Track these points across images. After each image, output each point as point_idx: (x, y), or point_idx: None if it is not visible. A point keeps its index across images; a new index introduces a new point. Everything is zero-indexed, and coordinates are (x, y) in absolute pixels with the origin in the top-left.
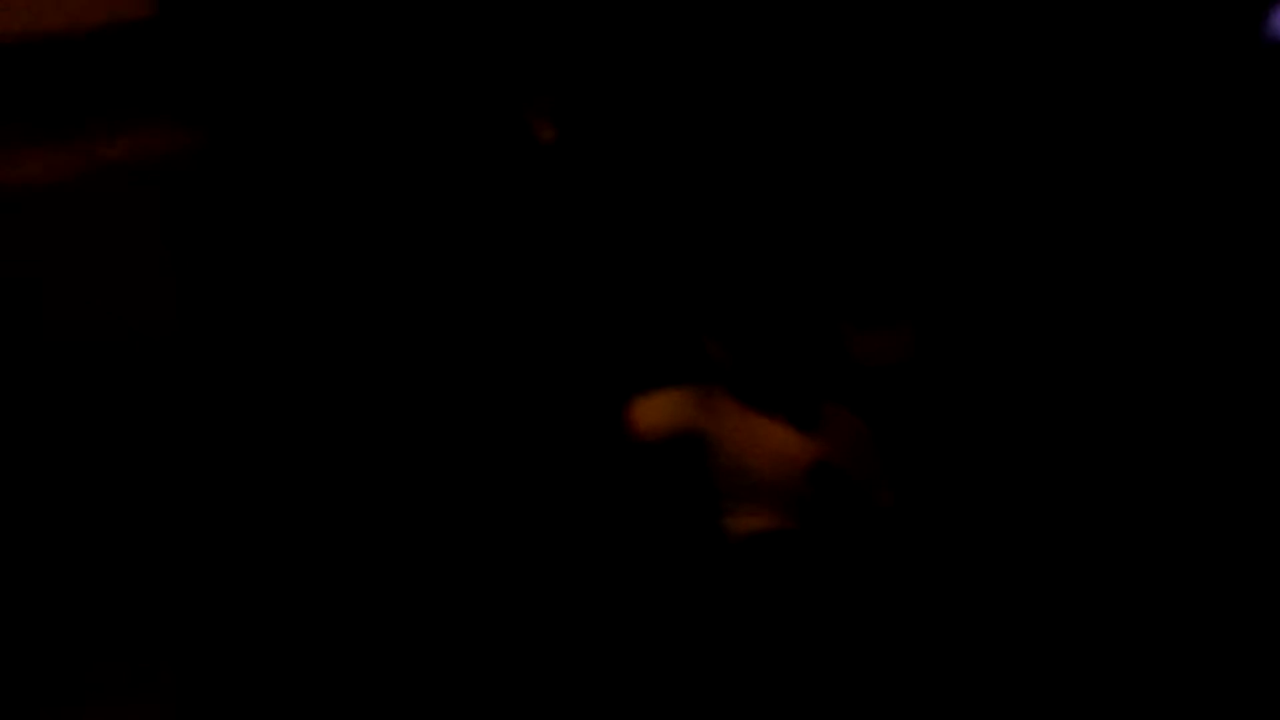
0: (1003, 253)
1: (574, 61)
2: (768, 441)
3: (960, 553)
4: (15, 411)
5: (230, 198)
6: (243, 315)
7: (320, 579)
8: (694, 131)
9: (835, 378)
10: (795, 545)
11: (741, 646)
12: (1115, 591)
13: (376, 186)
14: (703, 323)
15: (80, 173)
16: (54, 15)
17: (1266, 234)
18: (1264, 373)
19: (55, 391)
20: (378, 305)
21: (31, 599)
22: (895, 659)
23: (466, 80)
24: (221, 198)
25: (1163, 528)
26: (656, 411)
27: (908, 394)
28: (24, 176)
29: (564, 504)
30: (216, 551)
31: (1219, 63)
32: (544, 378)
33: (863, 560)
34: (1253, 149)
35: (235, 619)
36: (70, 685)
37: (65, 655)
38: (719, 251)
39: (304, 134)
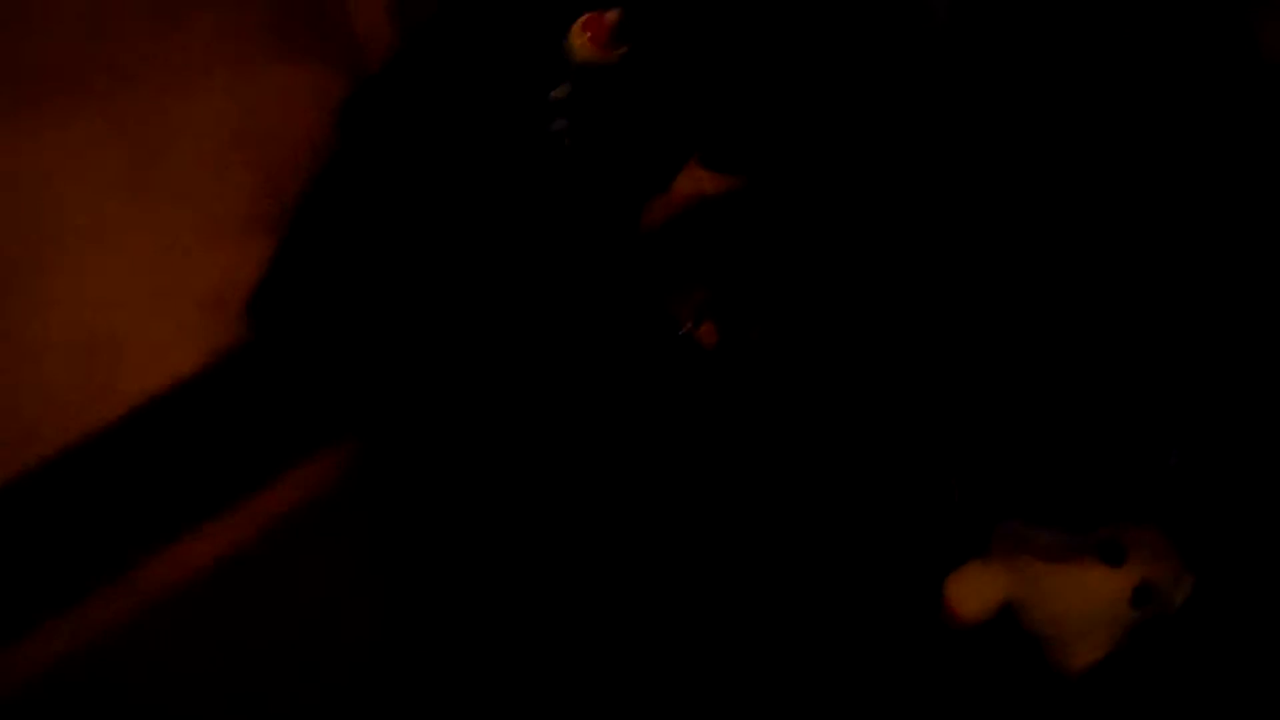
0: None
1: (738, 247)
2: (1088, 586)
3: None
4: None
5: (404, 512)
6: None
7: None
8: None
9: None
10: (1130, 660)
11: None
12: None
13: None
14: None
15: (246, 541)
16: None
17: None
18: None
19: None
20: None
21: None
22: None
23: (608, 284)
24: (397, 514)
25: None
26: (979, 592)
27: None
28: (187, 568)
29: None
30: None
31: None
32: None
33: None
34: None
35: None
36: None
37: None
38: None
39: (446, 394)
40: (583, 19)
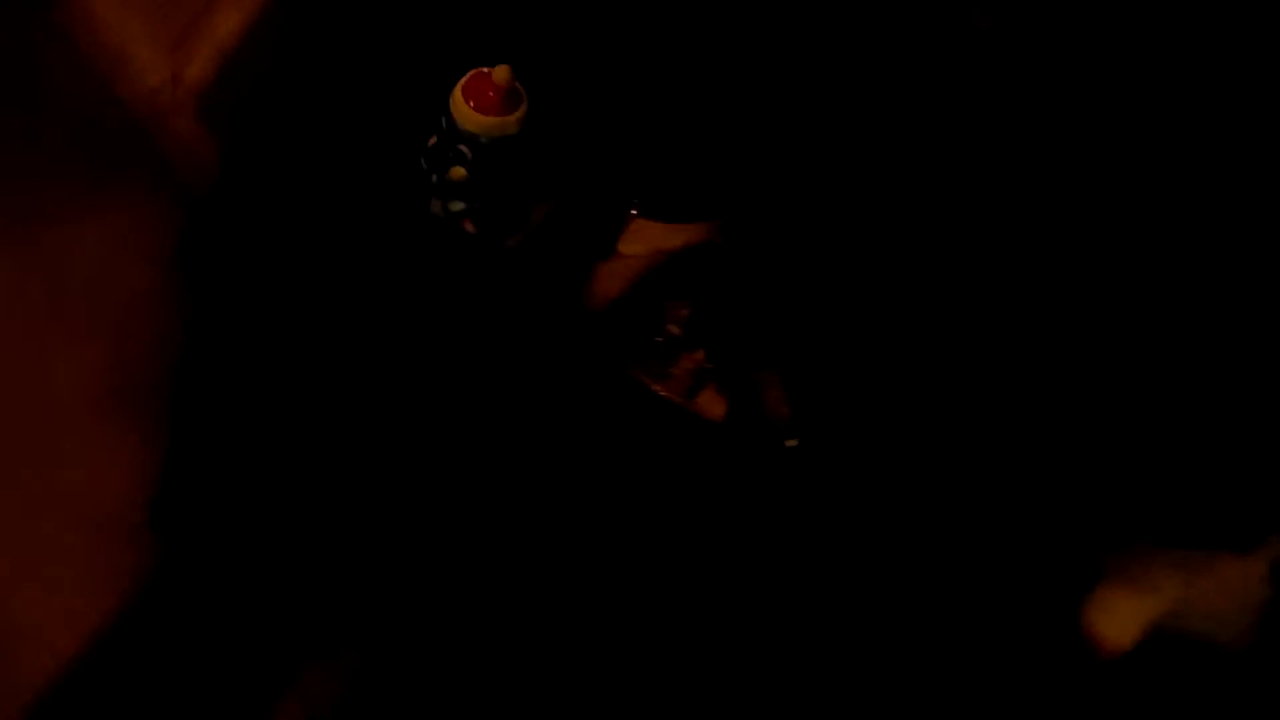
0: None
1: (734, 300)
2: (1229, 581)
3: None
4: None
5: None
6: None
7: None
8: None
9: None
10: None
11: None
12: None
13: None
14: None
15: None
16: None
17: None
18: None
19: None
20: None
21: None
22: None
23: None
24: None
25: None
26: (1127, 618)
27: None
28: None
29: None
30: None
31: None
32: None
33: None
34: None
35: None
36: None
37: None
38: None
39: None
40: (463, 82)
